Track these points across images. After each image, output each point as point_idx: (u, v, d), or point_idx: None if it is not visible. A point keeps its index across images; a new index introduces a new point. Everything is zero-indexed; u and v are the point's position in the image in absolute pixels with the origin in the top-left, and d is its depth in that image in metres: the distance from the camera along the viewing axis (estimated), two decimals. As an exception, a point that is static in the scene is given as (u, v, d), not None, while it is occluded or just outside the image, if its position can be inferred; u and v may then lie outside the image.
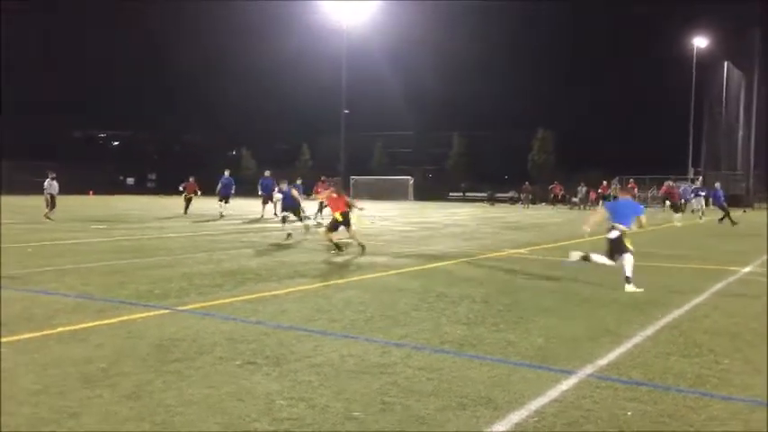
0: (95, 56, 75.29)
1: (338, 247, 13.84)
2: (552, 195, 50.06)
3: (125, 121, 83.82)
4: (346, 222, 14.30)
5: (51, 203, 23.81)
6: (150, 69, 78.36)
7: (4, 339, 6.04)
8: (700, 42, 62.02)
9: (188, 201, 29.52)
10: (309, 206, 25.03)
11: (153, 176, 75.24)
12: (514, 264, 12.87)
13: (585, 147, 63.50)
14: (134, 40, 76.85)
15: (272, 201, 26.23)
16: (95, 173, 67.60)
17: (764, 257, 14.61)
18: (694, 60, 61.22)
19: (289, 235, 16.87)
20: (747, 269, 12.46)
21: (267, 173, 28.82)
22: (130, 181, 75.69)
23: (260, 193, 27.68)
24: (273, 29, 75.59)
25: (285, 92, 73.59)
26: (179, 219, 25.77)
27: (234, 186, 28.99)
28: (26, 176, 57.20)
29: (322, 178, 28.70)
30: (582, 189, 48.31)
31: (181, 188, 30.40)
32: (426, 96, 72.00)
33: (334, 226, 14.37)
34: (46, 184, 24.29)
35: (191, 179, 29.99)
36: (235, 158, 72.91)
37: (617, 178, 51.26)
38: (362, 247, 13.93)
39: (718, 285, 10.35)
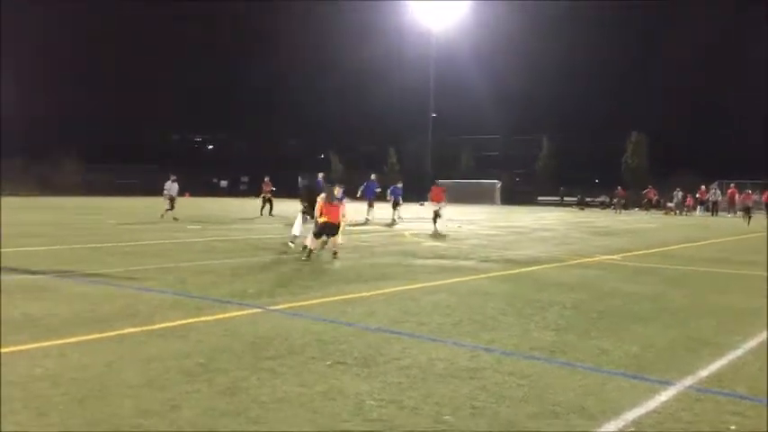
0: (191, 59, 78.24)
1: (309, 253, 12.93)
2: (646, 200, 48.40)
3: (218, 125, 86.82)
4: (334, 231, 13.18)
5: (171, 204, 25.17)
6: (243, 72, 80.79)
7: (106, 334, 6.37)
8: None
9: (266, 201, 29.05)
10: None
11: (245, 179, 77.36)
12: (606, 270, 12.52)
13: (680, 151, 61.01)
14: (227, 42, 79.34)
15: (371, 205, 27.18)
16: (192, 175, 70.19)
17: None
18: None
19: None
20: None
21: (373, 176, 29.33)
22: (224, 183, 78.11)
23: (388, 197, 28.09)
24: (362, 31, 76.32)
25: (373, 95, 74.27)
26: (263, 220, 26.41)
27: (377, 190, 28.56)
28: (133, 179, 60.28)
29: (266, 179, 29.50)
30: (678, 194, 46.51)
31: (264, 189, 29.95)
32: (514, 99, 70.98)
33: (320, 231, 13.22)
34: (167, 185, 25.72)
35: (266, 179, 29.77)
36: (323, 162, 74.10)
37: (716, 183, 49.04)
38: (335, 254, 13.05)
39: (830, 296, 9.72)
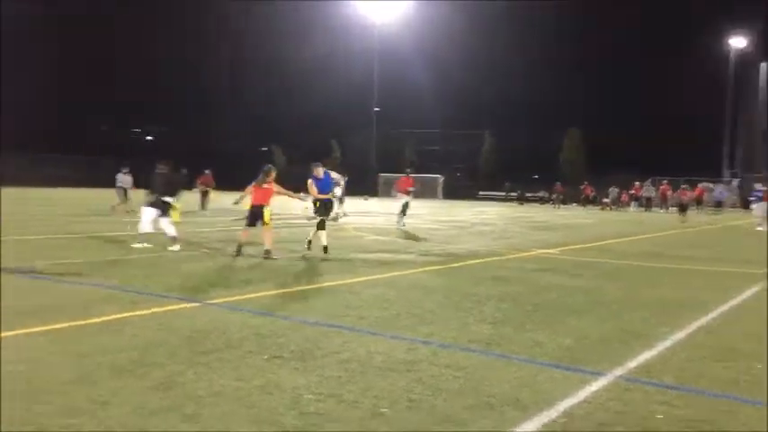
0: (128, 52, 76.24)
1: (239, 250, 12.26)
2: (583, 196, 49.56)
3: (157, 117, 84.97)
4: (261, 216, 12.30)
5: (124, 197, 24.54)
6: (183, 66, 79.18)
7: (38, 329, 6.16)
8: (737, 43, 61.03)
9: (203, 194, 27.86)
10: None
11: (185, 171, 76.05)
12: (543, 264, 12.78)
13: (616, 147, 62.70)
14: (165, 37, 77.63)
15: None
16: (130, 167, 68.58)
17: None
18: (731, 60, 60.25)
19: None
20: (783, 273, 12.20)
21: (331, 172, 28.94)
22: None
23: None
24: (305, 26, 75.82)
25: (316, 88, 73.85)
26: (201, 214, 25.98)
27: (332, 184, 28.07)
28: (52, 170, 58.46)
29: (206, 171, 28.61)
30: (614, 190, 47.76)
31: (199, 182, 28.62)
32: (456, 94, 71.76)
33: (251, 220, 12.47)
34: (119, 177, 24.98)
35: (206, 171, 28.61)
36: (265, 154, 73.41)
37: (650, 179, 50.59)
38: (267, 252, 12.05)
39: (753, 289, 10.16)
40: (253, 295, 8.33)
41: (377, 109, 65.94)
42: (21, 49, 64.16)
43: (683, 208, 28.70)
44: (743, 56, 61.80)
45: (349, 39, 69.00)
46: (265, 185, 12.40)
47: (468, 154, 72.18)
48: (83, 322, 6.50)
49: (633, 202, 46.55)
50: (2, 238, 12.83)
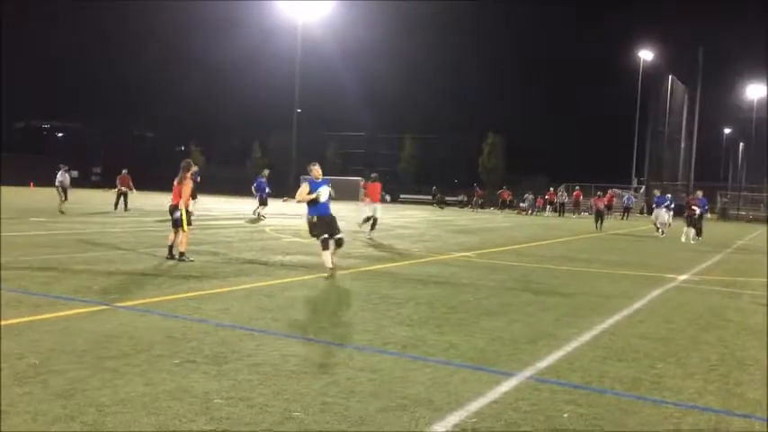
0: (43, 46, 73.13)
1: (170, 251, 11.78)
2: (500, 200, 50.70)
3: (70, 112, 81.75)
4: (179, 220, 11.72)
5: (65, 195, 24.52)
6: (100, 63, 76.54)
7: (-70, 334, 5.81)
8: (646, 55, 63.82)
9: (120, 195, 27.03)
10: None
11: (98, 170, 73.49)
12: (461, 267, 12.98)
13: (533, 154, 64.63)
14: (86, 34, 74.91)
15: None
16: (37, 165, 65.67)
17: (700, 266, 15.08)
18: (640, 71, 62.94)
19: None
20: (683, 277, 12.82)
21: (266, 172, 28.36)
22: (74, 174, 73.68)
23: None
24: (225, 25, 74.63)
25: (237, 89, 72.81)
26: (116, 215, 25.17)
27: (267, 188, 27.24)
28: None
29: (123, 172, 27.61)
30: (529, 196, 49.07)
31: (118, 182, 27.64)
32: (379, 98, 72.31)
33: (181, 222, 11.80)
34: (59, 175, 24.91)
35: (123, 172, 27.69)
36: (182, 154, 71.73)
37: (563, 185, 52.26)
38: (181, 254, 11.71)
39: (656, 292, 10.62)
40: (165, 298, 8.11)
41: (298, 110, 65.51)
42: None
43: (599, 215, 29.03)
44: (653, 68, 64.62)
45: (271, 39, 68.33)
46: (183, 183, 11.92)
47: (389, 157, 72.71)
48: (-20, 327, 6.16)
49: (548, 207, 48.00)
50: None
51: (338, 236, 10.73)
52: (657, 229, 26.12)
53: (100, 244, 14.09)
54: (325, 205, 10.74)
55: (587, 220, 37.70)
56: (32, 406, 4.23)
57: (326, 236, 10.59)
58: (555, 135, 68.58)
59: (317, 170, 10.96)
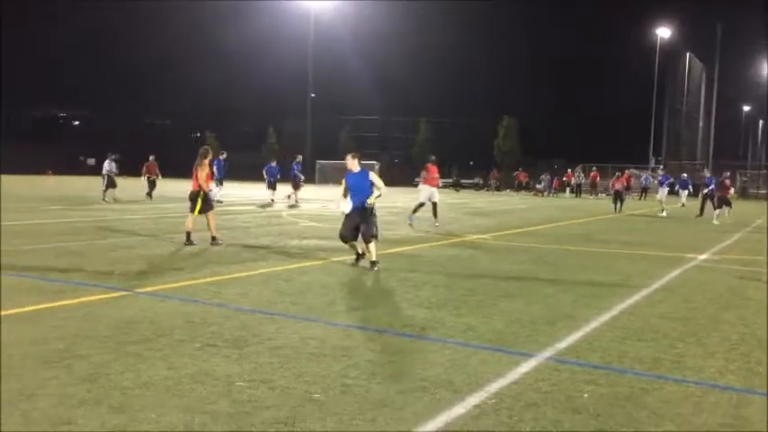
0: (59, 33, 73.46)
1: (188, 237, 11.91)
2: (516, 182, 50.50)
3: (87, 101, 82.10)
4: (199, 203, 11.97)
5: (111, 183, 24.37)
6: (115, 50, 76.79)
7: (-44, 321, 5.90)
8: (663, 33, 63.01)
9: (151, 183, 26.67)
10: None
11: (115, 157, 73.98)
12: (478, 249, 12.96)
13: (549, 135, 64.23)
14: (100, 21, 75.14)
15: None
16: (55, 153, 66.26)
17: (720, 246, 14.96)
18: (657, 50, 62.19)
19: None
20: (704, 256, 12.73)
21: (299, 158, 27.95)
22: (91, 162, 74.23)
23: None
24: (240, 12, 74.52)
25: (252, 75, 72.83)
26: (141, 201, 25.37)
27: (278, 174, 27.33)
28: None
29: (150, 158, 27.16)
30: (546, 177, 48.83)
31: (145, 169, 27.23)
32: (392, 81, 71.99)
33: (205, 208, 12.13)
34: (106, 164, 24.72)
35: (150, 158, 27.28)
36: (198, 141, 72.11)
37: (580, 166, 51.96)
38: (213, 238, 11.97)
39: (675, 272, 10.56)
40: (185, 283, 8.17)
41: (312, 95, 65.48)
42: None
43: (618, 196, 28.49)
44: (670, 46, 63.83)
45: (283, 24, 68.11)
46: (198, 168, 12.00)
47: (404, 141, 72.56)
48: (5, 313, 6.26)
49: (567, 188, 47.71)
50: None
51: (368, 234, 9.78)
52: (663, 210, 26.17)
53: (119, 230, 14.22)
54: (359, 197, 9.99)
55: (605, 201, 37.47)
56: (59, 389, 4.30)
57: (348, 237, 9.98)
58: (570, 116, 68.05)
59: (349, 161, 10.29)
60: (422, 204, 17.80)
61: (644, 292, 8.61)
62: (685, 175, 34.00)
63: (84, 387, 4.37)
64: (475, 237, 15.29)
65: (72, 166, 66.47)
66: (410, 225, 17.10)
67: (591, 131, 65.69)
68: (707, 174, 27.62)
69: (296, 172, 26.61)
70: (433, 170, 18.09)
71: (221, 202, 24.76)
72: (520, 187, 49.98)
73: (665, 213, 25.72)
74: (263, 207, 24.02)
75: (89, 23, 74.01)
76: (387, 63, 71.48)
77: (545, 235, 16.57)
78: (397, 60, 71.01)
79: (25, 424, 3.76)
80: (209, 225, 12.12)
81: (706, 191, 24.92)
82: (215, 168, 25.66)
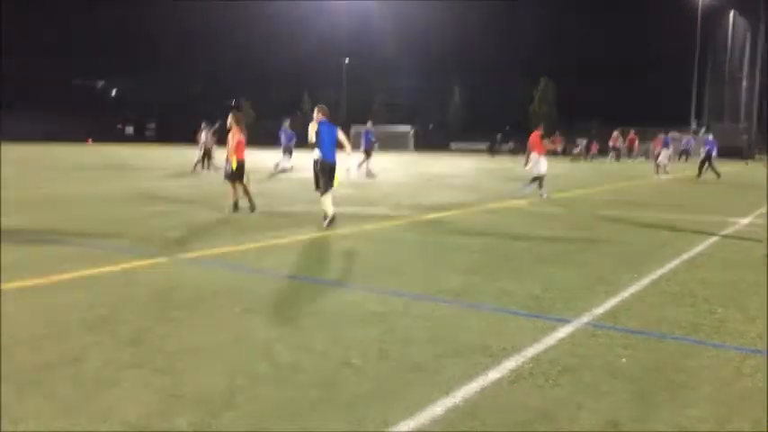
0: (97, 5, 74.05)
1: (235, 206, 12.10)
2: (553, 147, 49.80)
3: (123, 70, 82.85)
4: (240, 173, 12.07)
5: (207, 155, 23.49)
6: (150, 19, 77.13)
7: (8, 285, 6.09)
8: (705, -8, 60.99)
9: (207, 154, 24.10)
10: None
11: (152, 126, 74.98)
12: (513, 215, 12.89)
13: (587, 98, 63.05)
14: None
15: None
16: (94, 121, 67.28)
17: (763, 209, 14.62)
18: (699, 8, 60.31)
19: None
20: (746, 220, 12.47)
21: (369, 124, 26.50)
22: (129, 130, 75.36)
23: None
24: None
25: (285, 41, 72.64)
26: (192, 173, 25.65)
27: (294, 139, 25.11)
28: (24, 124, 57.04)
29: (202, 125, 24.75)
30: (582, 141, 48.09)
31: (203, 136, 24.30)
32: (427, 47, 71.16)
33: (233, 176, 12.15)
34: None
35: (212, 127, 24.24)
36: (233, 108, 72.60)
37: (618, 129, 51.02)
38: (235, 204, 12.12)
39: (715, 237, 10.37)
40: (224, 249, 8.30)
41: (346, 61, 65.18)
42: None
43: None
44: (712, 3, 61.81)
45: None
46: (230, 134, 11.94)
47: (440, 106, 72.02)
48: (52, 279, 6.44)
49: (611, 153, 46.68)
50: None
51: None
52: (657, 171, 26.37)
53: (161, 198, 14.45)
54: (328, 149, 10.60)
55: (643, 164, 36.83)
56: (104, 353, 4.43)
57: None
58: (608, 78, 66.62)
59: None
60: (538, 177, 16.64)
61: (684, 257, 8.48)
62: (710, 136, 33.04)
63: (128, 351, 4.49)
64: (511, 203, 15.18)
65: (110, 134, 67.44)
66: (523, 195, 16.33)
67: (629, 94, 64.33)
68: (709, 137, 27.55)
69: (370, 137, 24.66)
70: (536, 137, 16.90)
71: (286, 170, 24.05)
72: (555, 152, 49.30)
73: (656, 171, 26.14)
74: (276, 174, 23.44)
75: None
76: (421, 28, 70.65)
77: (582, 200, 16.39)
78: (431, 24, 70.12)
79: (73, 385, 3.89)
80: (244, 191, 12.10)
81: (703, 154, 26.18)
82: (283, 137, 24.75)
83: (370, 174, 23.27)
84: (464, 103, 69.60)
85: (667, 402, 3.86)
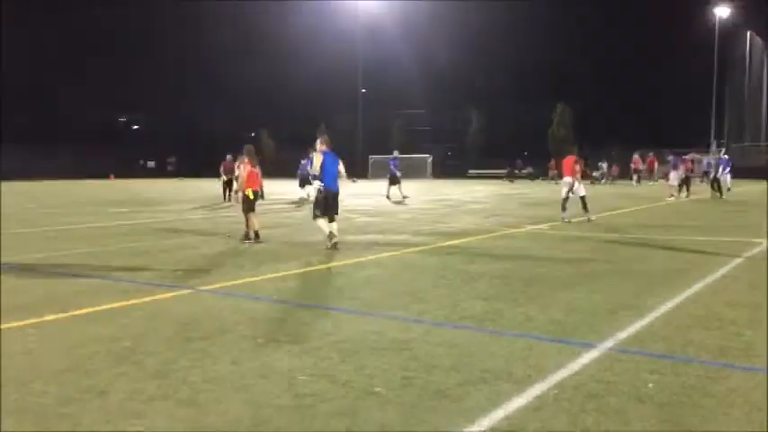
0: (112, 38, 75.44)
1: (246, 235, 12.34)
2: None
3: (141, 105, 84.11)
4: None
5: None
6: (166, 52, 78.45)
7: (26, 322, 6.16)
8: (721, 12, 60.96)
9: (226, 184, 24.13)
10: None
11: (172, 160, 75.89)
12: (534, 240, 12.84)
13: (605, 121, 62.92)
14: (149, 23, 76.88)
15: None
16: (114, 156, 68.13)
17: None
18: (716, 30, 60.19)
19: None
20: (770, 241, 12.31)
21: (396, 153, 28.15)
22: (151, 164, 76.27)
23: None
24: (289, 8, 75.16)
25: (302, 72, 73.42)
26: (219, 206, 25.89)
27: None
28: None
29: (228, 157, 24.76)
30: (603, 165, 47.83)
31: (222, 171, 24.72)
32: (442, 73, 71.55)
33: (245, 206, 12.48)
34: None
35: (228, 157, 24.39)
36: (254, 140, 73.45)
37: (637, 152, 50.82)
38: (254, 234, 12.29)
39: (739, 258, 10.25)
40: (246, 280, 8.34)
41: (363, 90, 65.68)
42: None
43: (686, 182, 27.52)
44: (729, 26, 61.69)
45: (332, 20, 68.41)
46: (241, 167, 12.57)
47: (456, 133, 72.24)
48: (74, 313, 6.51)
49: (635, 176, 46.29)
50: None
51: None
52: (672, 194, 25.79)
53: (181, 231, 14.58)
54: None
55: (662, 186, 36.53)
56: (129, 385, 4.46)
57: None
58: (626, 101, 66.42)
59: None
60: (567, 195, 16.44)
61: (708, 280, 8.38)
62: (725, 157, 32.63)
63: (153, 383, 4.52)
64: (531, 227, 15.13)
65: (132, 169, 68.26)
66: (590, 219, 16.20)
67: (648, 116, 64.12)
68: (723, 155, 27.83)
69: (393, 166, 26.33)
70: (570, 162, 16.72)
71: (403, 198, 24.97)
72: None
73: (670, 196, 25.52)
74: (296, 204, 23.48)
75: (145, 24, 75.87)
76: (436, 54, 71.10)
77: (604, 224, 16.27)
78: (446, 50, 70.53)
79: (99, 418, 3.91)
80: (248, 222, 12.32)
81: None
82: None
83: (397, 198, 24.78)
84: (482, 128, 69.75)
85: (697, 428, 3.80)
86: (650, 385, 4.49)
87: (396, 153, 27.92)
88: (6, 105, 61.44)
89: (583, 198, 16.41)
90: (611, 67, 68.48)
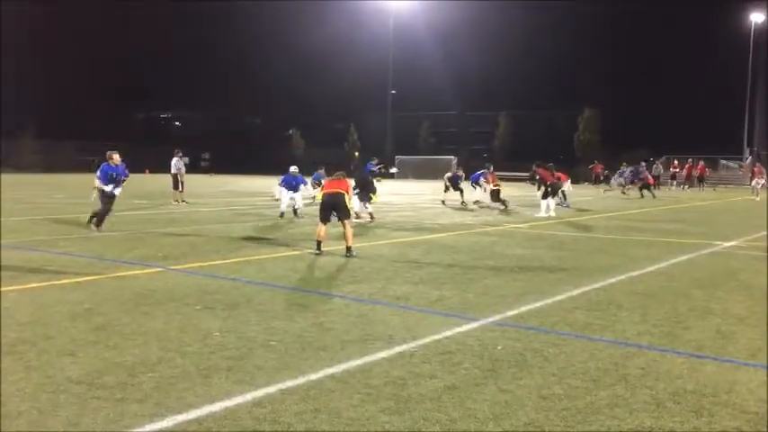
0: (152, 40, 77.82)
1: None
2: (594, 175, 49.81)
3: (180, 103, 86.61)
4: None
5: (178, 183, 23.27)
6: (205, 53, 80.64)
7: (10, 287, 7.31)
8: (757, 17, 60.37)
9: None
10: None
11: (206, 156, 78.10)
12: (504, 236, 13.61)
13: (634, 126, 62.85)
14: (188, 25, 79.19)
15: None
16: (155, 153, 70.33)
17: (761, 233, 14.94)
18: (752, 35, 59.65)
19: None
20: (730, 243, 12.87)
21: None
22: (186, 160, 78.39)
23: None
24: (323, 10, 76.74)
25: (335, 74, 74.85)
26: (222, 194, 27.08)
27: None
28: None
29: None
30: (625, 170, 47.89)
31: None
32: (471, 76, 72.24)
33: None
34: (174, 162, 23.79)
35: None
36: (287, 138, 75.46)
37: (664, 158, 50.84)
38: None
39: (685, 256, 10.91)
40: (213, 262, 9.41)
41: (393, 92, 66.68)
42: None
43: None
44: (765, 29, 61.01)
45: (363, 22, 69.58)
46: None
47: (483, 135, 72.82)
48: (54, 282, 7.63)
49: (674, 182, 46.30)
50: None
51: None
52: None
53: (183, 221, 15.74)
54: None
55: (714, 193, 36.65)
56: (73, 334, 5.54)
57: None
58: (656, 106, 66.16)
59: None
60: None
61: (634, 273, 9.13)
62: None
63: (93, 333, 5.58)
64: (509, 225, 15.85)
65: (167, 165, 70.23)
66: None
67: (677, 121, 63.84)
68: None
69: (457, 177, 25.43)
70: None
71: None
72: (597, 180, 49.26)
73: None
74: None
75: (188, 27, 78.21)
76: (465, 56, 71.83)
77: (587, 225, 16.92)
78: (475, 52, 71.20)
79: (38, 353, 4.98)
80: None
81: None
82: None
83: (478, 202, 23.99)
84: (509, 132, 70.22)
85: (511, 375, 4.70)
86: (499, 347, 5.39)
87: (454, 166, 27.16)
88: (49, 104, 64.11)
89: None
90: (641, 72, 68.28)
